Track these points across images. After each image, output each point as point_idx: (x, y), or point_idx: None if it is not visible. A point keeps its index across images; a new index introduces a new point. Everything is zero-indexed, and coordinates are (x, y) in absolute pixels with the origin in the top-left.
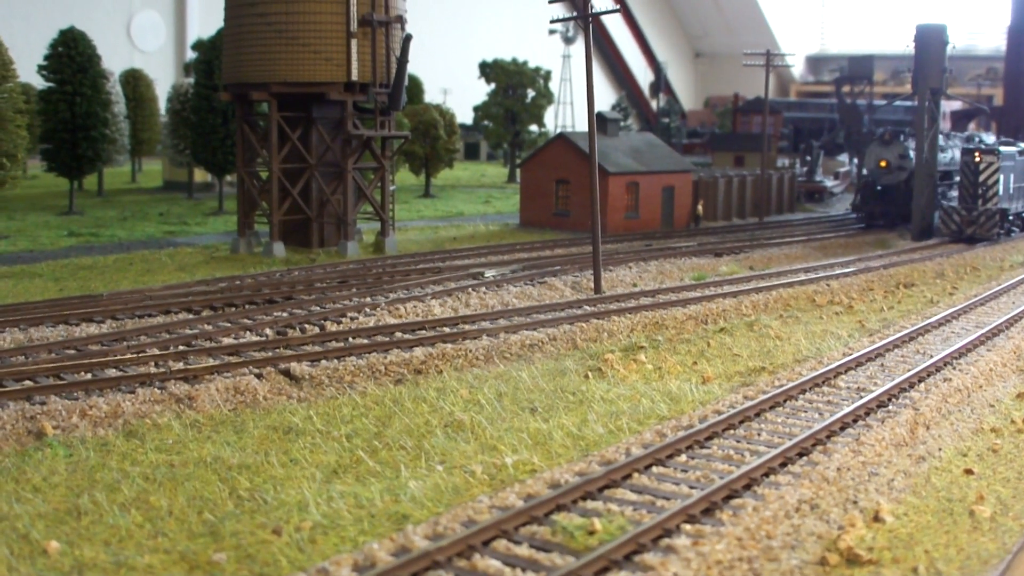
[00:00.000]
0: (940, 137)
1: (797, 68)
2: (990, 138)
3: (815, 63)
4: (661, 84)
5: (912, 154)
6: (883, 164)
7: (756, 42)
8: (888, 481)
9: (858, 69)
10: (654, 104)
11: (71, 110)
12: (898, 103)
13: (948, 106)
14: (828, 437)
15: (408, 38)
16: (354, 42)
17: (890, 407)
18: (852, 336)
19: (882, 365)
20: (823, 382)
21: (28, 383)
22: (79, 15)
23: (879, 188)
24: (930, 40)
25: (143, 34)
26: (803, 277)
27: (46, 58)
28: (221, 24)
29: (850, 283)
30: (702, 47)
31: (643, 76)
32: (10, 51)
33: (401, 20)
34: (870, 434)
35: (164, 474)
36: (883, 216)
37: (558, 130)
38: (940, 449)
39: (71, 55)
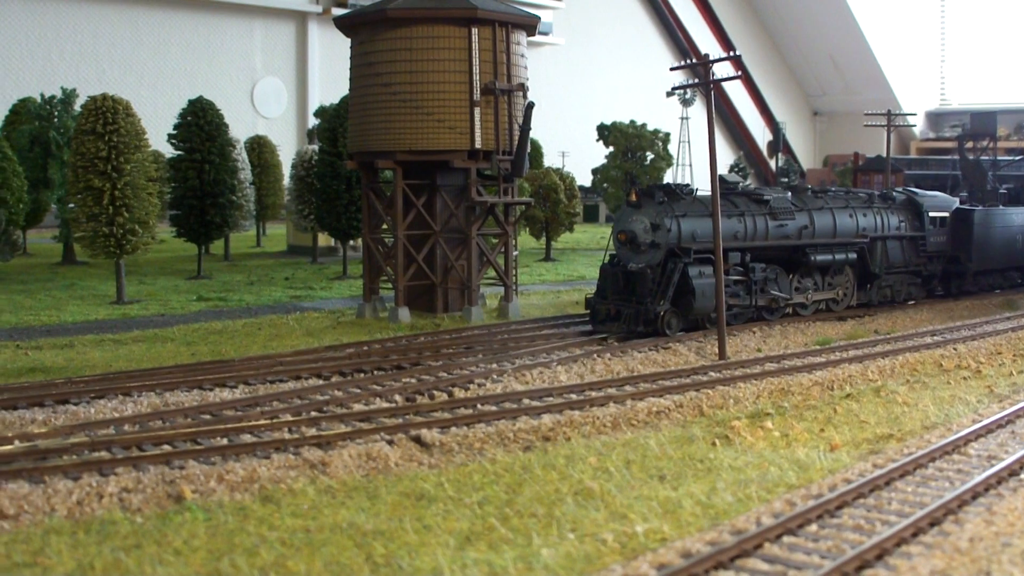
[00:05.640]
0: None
1: (917, 125)
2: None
3: (935, 119)
4: (779, 143)
5: (671, 222)
6: (622, 237)
7: (875, 99)
8: (1022, 552)
9: (980, 125)
10: (772, 163)
11: (199, 177)
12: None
13: None
14: (960, 506)
15: (531, 106)
16: (477, 110)
17: (1022, 476)
18: (981, 402)
19: (1013, 432)
20: (953, 450)
21: (167, 447)
22: (204, 83)
23: (629, 272)
24: None
25: (266, 101)
26: (929, 341)
27: (176, 127)
28: (341, 90)
29: (977, 347)
30: (820, 105)
31: (761, 135)
32: (141, 121)
33: (523, 88)
34: (1002, 503)
35: (301, 539)
36: (618, 317)
37: None
38: None
39: (200, 124)
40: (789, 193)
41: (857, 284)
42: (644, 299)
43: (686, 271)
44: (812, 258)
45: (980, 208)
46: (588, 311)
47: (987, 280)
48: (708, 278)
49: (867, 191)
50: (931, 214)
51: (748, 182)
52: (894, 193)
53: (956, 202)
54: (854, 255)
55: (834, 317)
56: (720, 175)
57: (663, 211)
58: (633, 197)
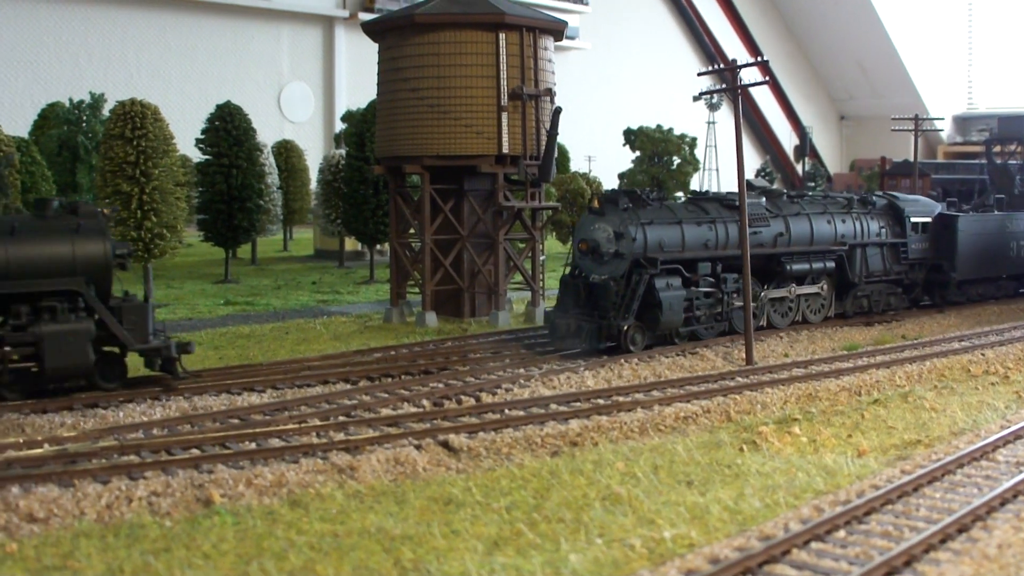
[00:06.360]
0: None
1: (944, 129)
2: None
3: (963, 123)
4: (806, 148)
5: (637, 231)
6: (583, 246)
7: (902, 103)
8: None
9: (1008, 129)
10: (799, 168)
11: (227, 182)
12: None
13: None
14: (988, 513)
15: (558, 111)
16: (505, 115)
17: None
18: (1009, 408)
19: None
20: (981, 456)
21: (195, 451)
22: (232, 88)
23: (591, 284)
24: None
25: (293, 105)
26: (957, 346)
27: (203, 132)
28: (368, 95)
29: (1005, 352)
30: (847, 110)
31: (787, 140)
32: (169, 125)
33: (550, 93)
34: None
35: (329, 544)
36: (579, 333)
37: None
38: None
39: (228, 129)
40: (763, 198)
41: (836, 294)
42: (607, 313)
43: (652, 283)
44: (788, 267)
45: (965, 214)
46: (547, 326)
47: (975, 289)
48: (676, 290)
49: (846, 195)
50: (913, 219)
51: (775, 186)
52: (874, 197)
53: (939, 207)
54: (832, 264)
55: (861, 323)
56: (747, 180)
57: (628, 219)
58: (595, 203)
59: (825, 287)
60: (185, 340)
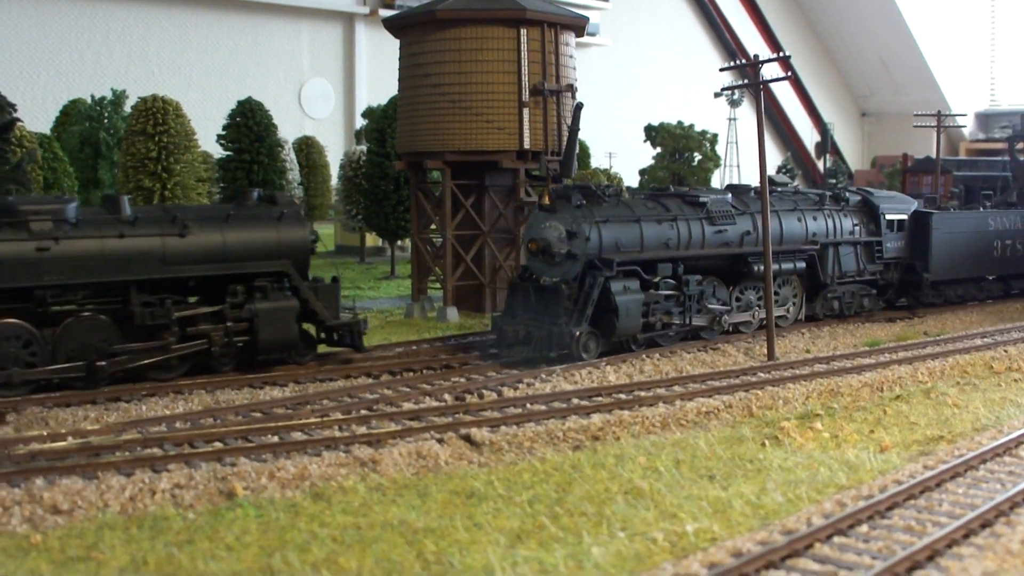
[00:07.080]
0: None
1: (967, 125)
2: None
3: (985, 120)
4: (827, 144)
5: (591, 229)
6: (533, 246)
7: (924, 100)
8: None
9: None
10: (820, 165)
11: (248, 178)
12: None
13: None
14: (1011, 508)
15: (579, 107)
16: (526, 111)
17: None
18: None
19: None
20: (1004, 452)
21: (218, 444)
22: (252, 84)
23: (542, 287)
24: None
25: (313, 102)
26: (979, 343)
27: (225, 127)
28: (388, 91)
29: None
30: (869, 106)
31: (809, 136)
32: (191, 122)
33: (572, 89)
34: None
35: (352, 536)
36: (527, 340)
37: None
38: None
39: (248, 125)
40: (729, 194)
41: (807, 295)
42: (558, 319)
43: (608, 286)
44: (756, 268)
45: (941, 211)
46: (495, 333)
47: (953, 291)
48: (634, 294)
49: (817, 191)
50: (888, 217)
51: (796, 183)
52: (847, 193)
53: (916, 204)
54: (803, 264)
55: (883, 319)
56: (768, 176)
57: (581, 216)
58: (547, 200)
59: (791, 308)
60: (363, 317)
